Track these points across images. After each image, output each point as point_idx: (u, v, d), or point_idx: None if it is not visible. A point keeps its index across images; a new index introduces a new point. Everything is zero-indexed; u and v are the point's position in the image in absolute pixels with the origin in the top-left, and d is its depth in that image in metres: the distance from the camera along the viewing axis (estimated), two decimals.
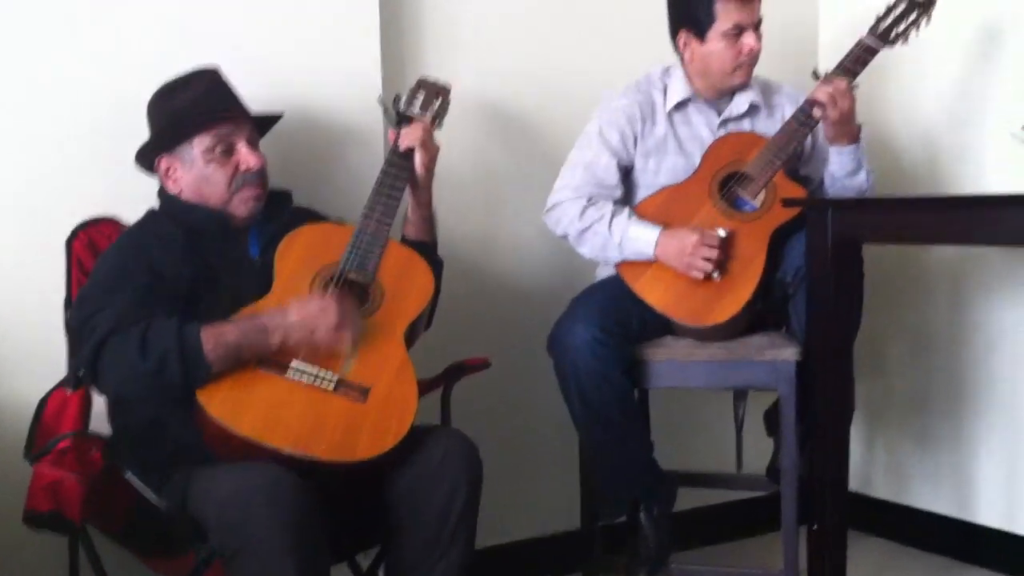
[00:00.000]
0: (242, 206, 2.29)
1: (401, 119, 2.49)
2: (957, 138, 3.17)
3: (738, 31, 2.69)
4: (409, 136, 2.42)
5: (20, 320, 2.42)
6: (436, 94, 2.54)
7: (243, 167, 2.28)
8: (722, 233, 2.58)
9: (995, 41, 3.03)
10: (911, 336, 3.38)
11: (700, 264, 2.56)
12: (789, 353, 2.56)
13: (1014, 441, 3.07)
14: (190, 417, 2.05)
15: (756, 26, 2.72)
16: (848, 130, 2.65)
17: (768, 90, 2.88)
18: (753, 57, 2.73)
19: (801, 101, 2.76)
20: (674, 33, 2.81)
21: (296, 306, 2.11)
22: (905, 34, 2.70)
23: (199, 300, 2.14)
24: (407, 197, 2.46)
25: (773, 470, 2.79)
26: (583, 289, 2.78)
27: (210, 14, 2.64)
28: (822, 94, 2.60)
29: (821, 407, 2.49)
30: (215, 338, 2.01)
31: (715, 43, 2.71)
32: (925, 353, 3.34)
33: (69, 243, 2.31)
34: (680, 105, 2.81)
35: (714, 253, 2.55)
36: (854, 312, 2.65)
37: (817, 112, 2.61)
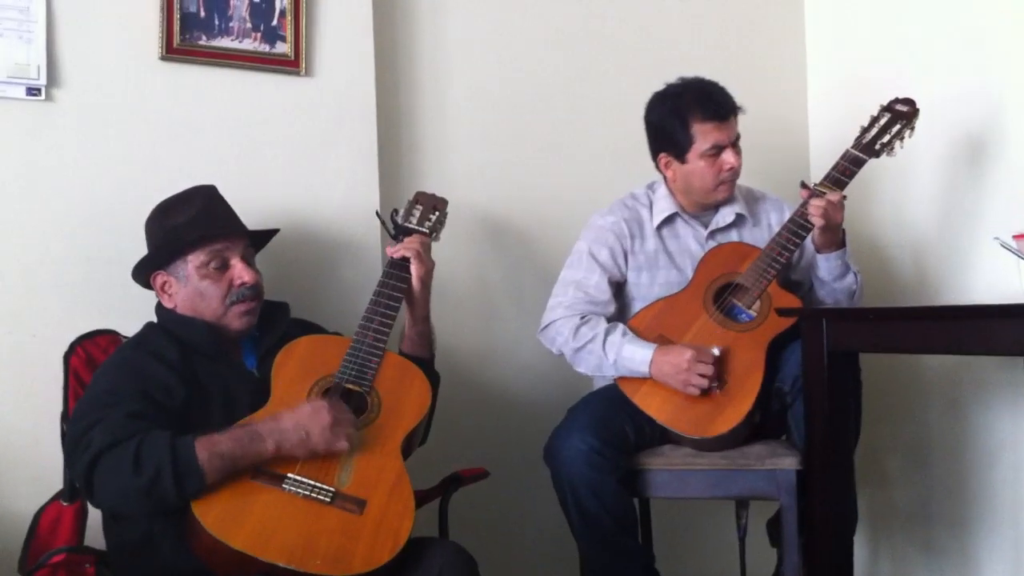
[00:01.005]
0: (236, 320, 2.31)
1: (399, 232, 2.53)
2: (945, 246, 3.20)
3: (717, 151, 2.74)
4: (404, 245, 2.45)
5: (17, 432, 2.43)
6: (434, 207, 2.58)
7: (237, 282, 2.31)
8: (716, 352, 2.58)
9: (980, 152, 3.08)
10: (910, 447, 3.36)
11: (696, 381, 2.55)
12: (789, 462, 2.55)
13: (1018, 551, 3.03)
14: (183, 534, 2.04)
15: (734, 143, 2.77)
16: (835, 237, 2.69)
17: (752, 199, 2.92)
18: (734, 173, 2.77)
19: (785, 208, 2.82)
20: (655, 155, 2.86)
21: (288, 412, 2.12)
22: (890, 145, 2.74)
23: (194, 415, 2.15)
24: (404, 312, 2.48)
25: None
26: (580, 398, 2.78)
27: (210, 131, 2.71)
28: (815, 209, 2.63)
29: (822, 516, 2.47)
30: (209, 448, 2.01)
31: (695, 163, 2.76)
32: (925, 464, 3.31)
33: (67, 357, 2.33)
34: (667, 220, 2.85)
35: (709, 370, 2.55)
36: (853, 421, 2.65)
37: (816, 221, 2.64)
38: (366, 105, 2.92)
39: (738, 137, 2.78)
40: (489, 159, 3.20)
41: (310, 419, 2.10)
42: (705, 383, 2.55)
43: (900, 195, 3.34)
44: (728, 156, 2.74)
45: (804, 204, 2.67)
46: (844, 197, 2.67)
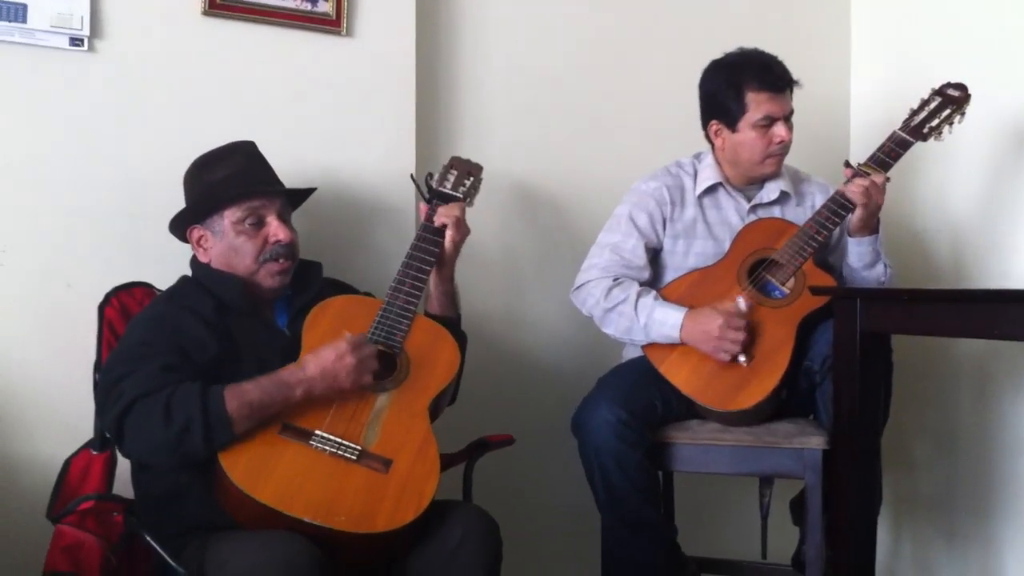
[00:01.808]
0: (269, 278, 2.32)
1: (433, 196, 2.53)
2: (985, 232, 3.17)
3: (769, 122, 2.72)
4: (445, 213, 2.45)
5: (50, 381, 2.46)
6: (468, 173, 2.58)
7: (272, 240, 2.31)
8: (742, 304, 2.57)
9: None
10: (937, 432, 3.35)
11: (728, 346, 2.55)
12: (816, 441, 2.53)
13: None
14: (211, 487, 2.06)
15: (787, 117, 2.74)
16: (871, 221, 2.67)
17: (798, 179, 2.90)
18: (784, 147, 2.75)
19: (830, 191, 2.78)
20: (705, 122, 2.84)
21: (312, 359, 2.13)
22: (938, 129, 2.71)
23: (225, 370, 2.16)
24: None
25: (798, 560, 2.76)
26: (609, 369, 2.78)
27: (250, 88, 2.71)
28: (857, 188, 2.61)
29: (847, 498, 2.46)
30: (238, 398, 2.02)
31: (746, 133, 2.74)
32: (952, 450, 3.30)
33: (101, 308, 2.35)
34: (710, 190, 2.83)
35: (741, 335, 2.54)
36: (882, 403, 2.63)
37: (858, 200, 2.61)
38: (405, 69, 2.91)
39: (791, 112, 2.75)
40: (526, 129, 3.19)
41: (335, 363, 2.11)
42: (737, 348, 2.55)
43: (942, 179, 3.31)
44: (779, 129, 2.72)
45: (846, 183, 2.65)
46: (888, 179, 2.64)
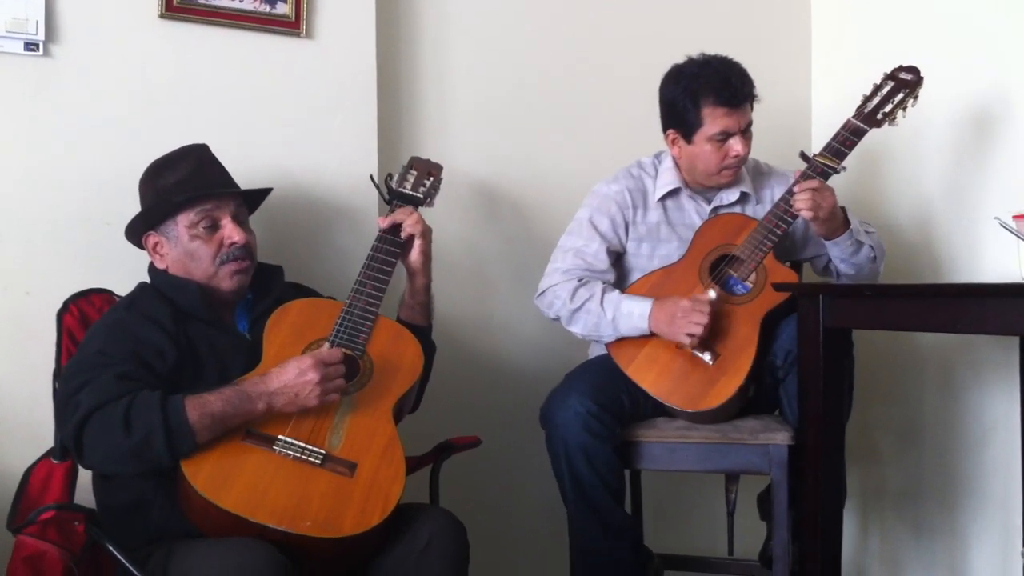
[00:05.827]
0: (227, 280, 2.30)
1: (393, 196, 2.52)
2: (949, 227, 3.19)
3: (725, 137, 2.69)
4: (411, 224, 2.44)
5: (8, 390, 2.42)
6: (428, 173, 2.57)
7: (227, 242, 2.29)
8: (712, 295, 2.56)
9: (986, 133, 3.06)
10: (903, 426, 3.36)
11: (690, 328, 2.53)
12: (781, 437, 2.54)
13: (1008, 532, 3.04)
14: (174, 496, 2.04)
15: (744, 130, 2.72)
16: (834, 222, 2.66)
17: (759, 175, 2.90)
18: (739, 161, 2.73)
19: (791, 181, 2.75)
20: (664, 129, 2.83)
21: (276, 371, 2.11)
22: (892, 115, 2.69)
23: (186, 377, 2.14)
24: (405, 282, 2.47)
25: (765, 556, 2.76)
26: (576, 365, 2.78)
27: (209, 90, 2.69)
28: (803, 204, 2.59)
29: (812, 492, 2.47)
30: (199, 408, 2.00)
31: (701, 146, 2.72)
32: (917, 443, 3.31)
33: (60, 315, 2.32)
34: (671, 193, 2.82)
35: (704, 318, 2.52)
36: (845, 398, 2.64)
37: (805, 213, 2.62)
38: (366, 70, 2.89)
39: (749, 124, 2.73)
40: (490, 129, 3.18)
41: (297, 379, 2.09)
42: (698, 330, 2.53)
43: (905, 174, 3.32)
44: (735, 143, 2.70)
45: (800, 178, 2.65)
46: (844, 168, 2.64)
